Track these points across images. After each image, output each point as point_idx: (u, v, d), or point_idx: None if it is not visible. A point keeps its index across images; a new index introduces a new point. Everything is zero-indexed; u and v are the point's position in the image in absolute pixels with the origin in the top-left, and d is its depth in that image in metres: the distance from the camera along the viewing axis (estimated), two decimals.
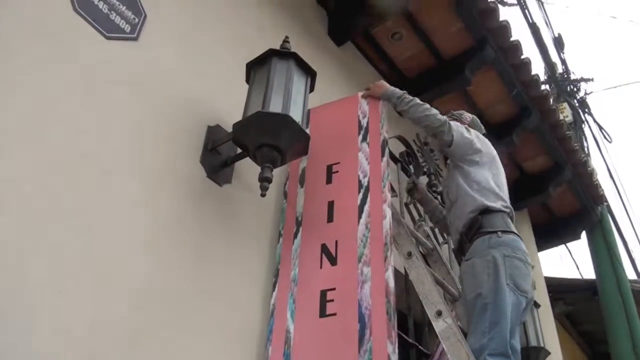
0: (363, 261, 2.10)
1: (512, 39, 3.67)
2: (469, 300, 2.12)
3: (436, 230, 3.23)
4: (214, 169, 2.22)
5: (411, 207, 3.09)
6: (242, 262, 2.19)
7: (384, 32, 3.63)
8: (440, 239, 3.25)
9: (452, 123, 2.46)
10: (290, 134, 2.05)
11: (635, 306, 5.19)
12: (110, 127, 1.88)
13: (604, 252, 5.53)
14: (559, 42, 7.39)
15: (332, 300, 2.05)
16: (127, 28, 2.08)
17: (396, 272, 2.17)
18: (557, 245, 5.68)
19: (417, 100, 2.48)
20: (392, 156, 2.91)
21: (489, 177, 2.39)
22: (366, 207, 2.25)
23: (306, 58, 2.25)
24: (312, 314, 2.05)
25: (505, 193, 2.40)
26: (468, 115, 2.73)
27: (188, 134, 2.18)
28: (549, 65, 7.14)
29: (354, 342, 1.91)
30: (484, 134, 2.65)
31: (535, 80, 3.98)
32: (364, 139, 2.48)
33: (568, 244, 5.78)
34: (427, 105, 2.48)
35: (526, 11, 5.81)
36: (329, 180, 2.43)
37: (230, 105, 2.36)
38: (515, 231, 2.25)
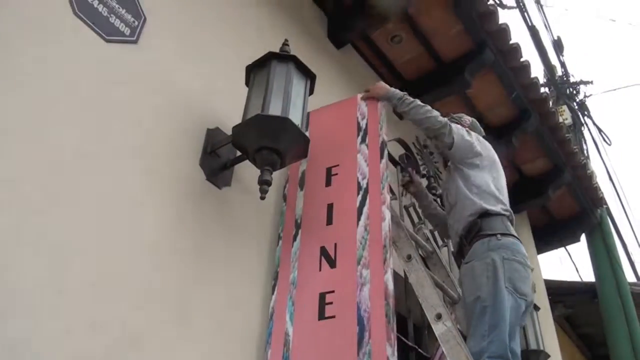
0: (362, 264, 2.09)
1: (511, 42, 3.68)
2: (468, 303, 2.11)
3: (436, 233, 3.24)
4: (213, 171, 2.22)
5: (411, 210, 3.10)
6: (242, 264, 2.19)
7: (384, 35, 3.63)
8: (440, 242, 3.25)
9: (453, 125, 2.46)
10: (289, 137, 2.05)
11: (635, 309, 5.19)
12: (110, 129, 1.89)
13: (604, 255, 5.53)
14: (558, 45, 7.41)
15: (331, 303, 2.05)
16: (127, 31, 2.08)
17: (396, 275, 2.17)
18: (556, 247, 5.69)
19: (418, 102, 2.48)
20: (391, 159, 2.91)
21: (489, 181, 2.38)
22: (365, 209, 2.25)
23: (306, 61, 2.25)
24: (311, 317, 2.05)
25: (505, 196, 2.40)
26: (467, 118, 2.73)
27: (187, 136, 2.18)
28: (549, 68, 7.15)
29: (353, 345, 1.90)
30: (483, 137, 2.65)
31: (534, 83, 3.99)
32: (363, 140, 2.48)
33: (567, 247, 5.79)
34: (428, 107, 2.47)
35: (525, 14, 5.82)
36: (328, 183, 2.43)
37: (229, 108, 2.36)
38: (515, 234, 2.25)
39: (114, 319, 1.65)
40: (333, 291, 2.08)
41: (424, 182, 3.17)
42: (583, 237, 5.67)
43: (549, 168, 4.70)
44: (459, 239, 2.33)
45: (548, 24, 7.56)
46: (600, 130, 7.44)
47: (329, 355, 1.95)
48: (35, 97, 1.70)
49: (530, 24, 6.06)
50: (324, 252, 2.21)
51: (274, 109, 2.03)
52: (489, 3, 3.46)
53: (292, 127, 2.04)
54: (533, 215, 5.17)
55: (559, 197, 4.86)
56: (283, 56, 2.19)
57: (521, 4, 5.69)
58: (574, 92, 7.81)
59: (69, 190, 1.68)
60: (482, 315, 2.02)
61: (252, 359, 2.03)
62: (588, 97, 7.91)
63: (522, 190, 4.67)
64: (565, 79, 7.73)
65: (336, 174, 2.44)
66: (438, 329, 2.05)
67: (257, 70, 2.22)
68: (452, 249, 2.78)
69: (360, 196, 2.30)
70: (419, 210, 3.00)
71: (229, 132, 2.15)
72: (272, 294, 2.20)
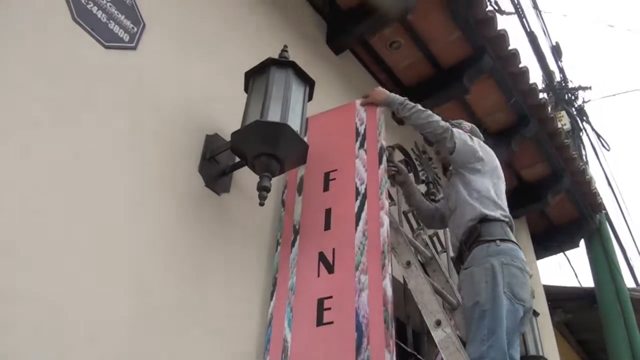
0: (360, 269, 2.09)
1: (510, 48, 3.69)
2: (468, 308, 2.11)
3: (435, 239, 3.24)
4: (212, 178, 2.21)
5: (410, 215, 3.09)
6: (241, 270, 2.18)
7: (383, 41, 3.64)
8: (439, 248, 3.25)
9: (455, 130, 2.46)
10: (288, 143, 2.05)
11: (634, 314, 5.18)
12: (109, 135, 1.89)
13: (603, 260, 5.52)
14: (556, 51, 7.42)
15: (329, 309, 2.05)
16: (126, 37, 2.09)
17: (395, 281, 2.17)
18: (555, 253, 5.68)
19: (419, 107, 2.48)
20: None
21: (490, 186, 2.39)
22: (363, 215, 2.24)
23: (304, 67, 2.26)
24: (310, 323, 2.04)
25: (504, 202, 2.40)
26: (467, 124, 2.73)
27: (186, 142, 2.18)
28: (547, 73, 7.16)
29: (351, 351, 1.90)
30: (484, 142, 2.66)
31: (533, 88, 4.00)
32: (362, 146, 2.48)
33: (566, 252, 5.77)
34: (430, 112, 2.48)
35: (524, 20, 5.83)
36: (326, 188, 2.42)
37: (228, 114, 2.36)
38: (514, 240, 2.25)
39: (114, 319, 1.66)
40: (331, 297, 2.07)
41: (422, 188, 3.16)
42: (582, 242, 5.67)
43: (548, 173, 4.70)
44: (459, 244, 2.33)
45: (546, 29, 7.58)
46: (598, 136, 7.45)
47: None
48: (35, 103, 1.70)
49: (528, 29, 6.07)
50: (322, 257, 2.20)
51: (273, 115, 2.03)
52: (487, 9, 3.47)
53: (291, 134, 2.04)
54: (532, 221, 5.17)
55: (557, 202, 4.86)
56: (282, 62, 2.19)
57: (519, 10, 5.70)
58: (573, 97, 7.82)
59: (69, 191, 1.68)
60: (481, 319, 2.02)
61: None
62: (587, 102, 7.91)
63: (521, 195, 4.68)
64: (563, 84, 7.74)
65: (334, 179, 2.43)
66: (437, 335, 2.05)
67: (256, 76, 2.22)
68: (451, 255, 2.77)
69: (358, 201, 2.30)
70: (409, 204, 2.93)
71: (228, 138, 2.15)
72: (271, 300, 2.19)
